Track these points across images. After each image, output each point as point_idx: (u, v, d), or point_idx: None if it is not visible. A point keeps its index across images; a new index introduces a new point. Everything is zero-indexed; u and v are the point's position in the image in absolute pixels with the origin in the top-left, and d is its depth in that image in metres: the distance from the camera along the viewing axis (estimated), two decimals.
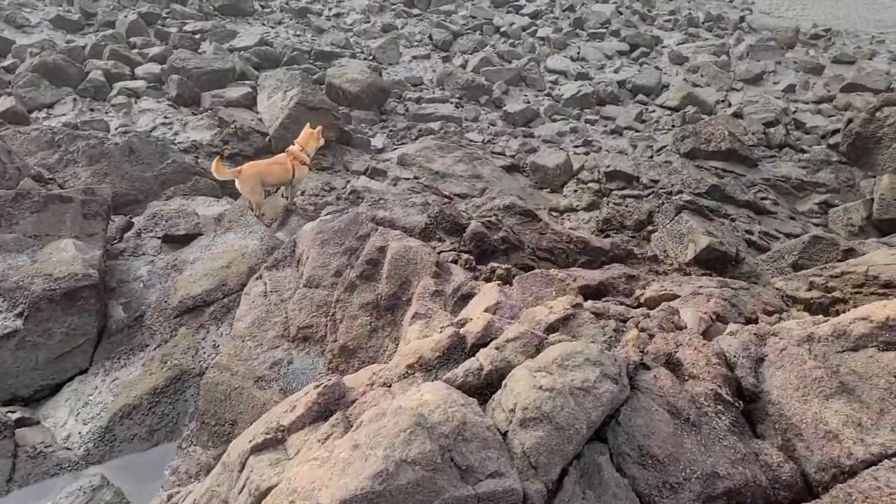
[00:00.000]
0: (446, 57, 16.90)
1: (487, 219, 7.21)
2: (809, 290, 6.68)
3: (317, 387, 3.44)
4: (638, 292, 6.11)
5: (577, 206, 10.46)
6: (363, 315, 5.79)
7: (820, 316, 3.12)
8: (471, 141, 12.59)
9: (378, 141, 12.46)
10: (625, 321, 3.15)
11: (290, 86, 12.26)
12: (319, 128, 7.88)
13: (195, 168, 10.05)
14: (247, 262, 6.86)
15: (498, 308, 3.92)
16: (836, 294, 6.50)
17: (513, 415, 2.85)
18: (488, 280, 6.40)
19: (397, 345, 5.51)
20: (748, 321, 5.01)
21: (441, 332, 3.40)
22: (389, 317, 5.82)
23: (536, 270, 4.01)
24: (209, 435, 5.28)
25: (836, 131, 11.28)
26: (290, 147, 7.81)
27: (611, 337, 3.01)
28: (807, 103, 16.13)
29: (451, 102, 14.26)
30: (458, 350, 3.26)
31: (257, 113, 12.58)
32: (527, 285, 3.83)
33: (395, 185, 10.92)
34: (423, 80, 15.47)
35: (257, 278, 6.38)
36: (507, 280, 6.25)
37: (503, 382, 3.06)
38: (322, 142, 7.84)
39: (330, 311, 5.84)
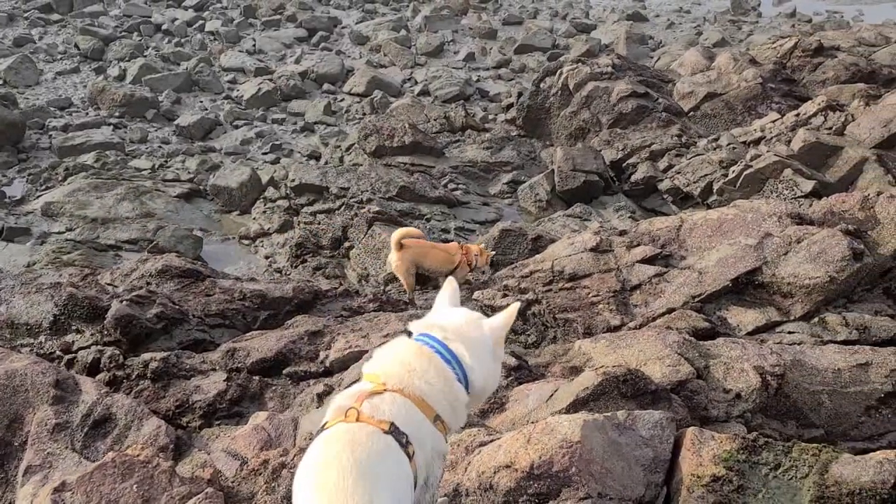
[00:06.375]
0: (99, 68, 14.58)
1: (137, 293, 5.87)
2: (505, 296, 6.38)
3: None
4: (323, 354, 5.29)
5: (270, 229, 9.41)
6: None
7: (481, 434, 2.52)
8: (137, 170, 10.84)
9: (16, 189, 10.20)
10: None
11: None
12: (491, 254, 7.03)
13: None
14: None
15: None
16: (530, 296, 6.26)
17: None
18: (139, 379, 5.17)
19: None
20: None
21: None
22: None
23: (108, 458, 2.94)
24: None
25: (510, 106, 11.45)
26: (470, 245, 6.86)
27: None
28: (487, 70, 16.57)
29: (109, 124, 12.24)
30: None
31: None
32: (94, 486, 2.77)
33: (42, 243, 8.94)
34: (72, 102, 13.13)
35: None
36: (157, 377, 5.07)
37: None
38: (484, 266, 6.89)
39: None
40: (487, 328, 2.33)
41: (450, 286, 2.49)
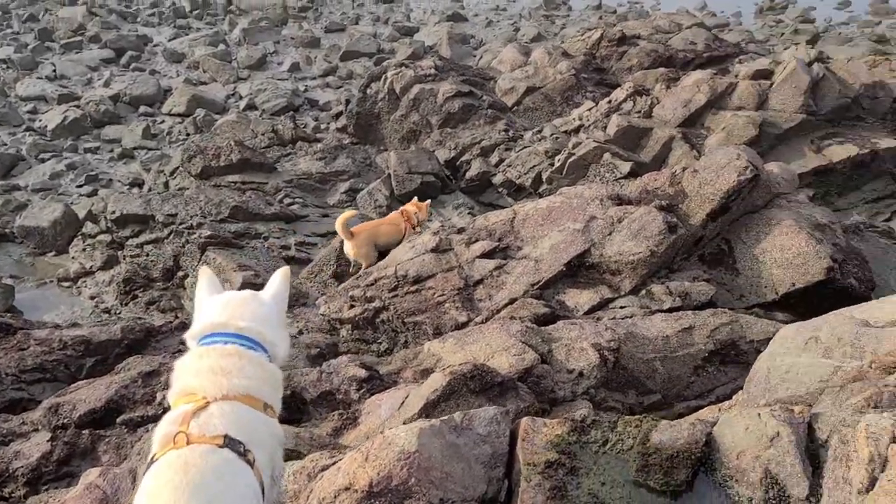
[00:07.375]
0: None
1: None
2: (352, 307, 6.26)
3: None
4: (160, 395, 4.92)
5: (92, 267, 8.67)
6: None
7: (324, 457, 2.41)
8: None
9: None
10: None
11: None
12: (427, 203, 7.37)
13: None
14: None
15: None
16: (377, 304, 6.19)
17: None
18: None
19: None
20: None
21: None
22: None
23: None
24: None
25: (340, 114, 11.33)
26: (406, 206, 7.20)
27: None
28: (314, 79, 16.31)
29: None
30: None
31: None
32: None
33: None
34: None
35: None
36: None
37: None
38: (427, 218, 7.29)
39: None
40: (269, 299, 2.35)
41: (204, 275, 2.43)
